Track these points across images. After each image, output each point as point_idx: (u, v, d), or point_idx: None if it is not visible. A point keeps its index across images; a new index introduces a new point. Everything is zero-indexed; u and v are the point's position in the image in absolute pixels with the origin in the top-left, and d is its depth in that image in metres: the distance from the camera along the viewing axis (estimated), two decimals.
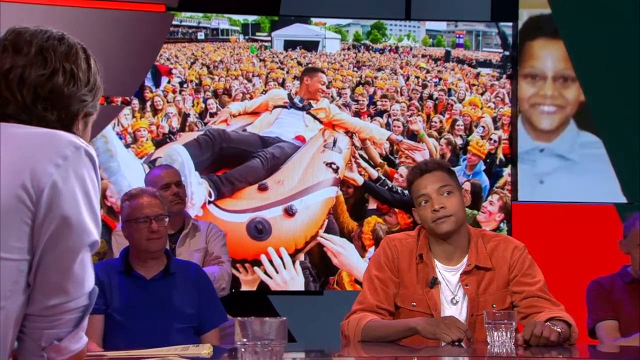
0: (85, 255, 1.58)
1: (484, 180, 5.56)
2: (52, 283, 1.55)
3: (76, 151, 1.56)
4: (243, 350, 1.69)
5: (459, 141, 5.58)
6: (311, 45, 5.68)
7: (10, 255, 1.51)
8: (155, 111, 5.43)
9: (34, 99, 1.62)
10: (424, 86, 5.66)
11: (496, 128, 5.59)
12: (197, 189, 5.27)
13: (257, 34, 5.67)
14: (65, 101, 1.66)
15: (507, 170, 5.56)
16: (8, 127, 1.59)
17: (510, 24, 5.66)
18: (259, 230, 5.30)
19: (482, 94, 5.65)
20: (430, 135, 5.57)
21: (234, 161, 5.41)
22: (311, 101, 5.57)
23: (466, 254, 3.05)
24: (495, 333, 2.58)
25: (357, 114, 5.57)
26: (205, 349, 2.40)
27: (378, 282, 3.04)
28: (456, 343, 2.70)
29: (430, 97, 5.64)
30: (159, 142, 5.39)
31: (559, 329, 2.73)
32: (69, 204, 1.53)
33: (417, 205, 3.06)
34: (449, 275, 3.05)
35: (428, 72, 5.71)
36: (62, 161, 1.54)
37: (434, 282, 3.01)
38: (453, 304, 3.01)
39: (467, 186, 5.49)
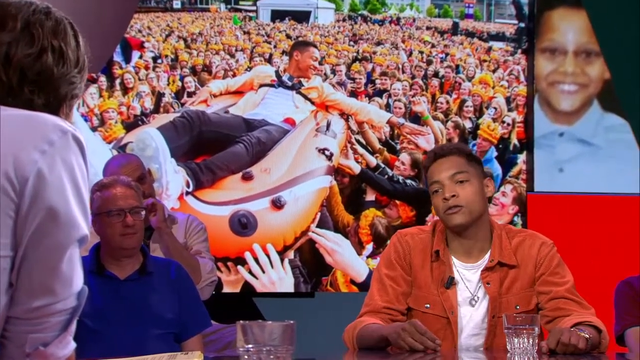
0: (74, 251, 1.59)
1: (496, 169, 5.58)
2: (37, 282, 1.56)
3: (63, 136, 1.57)
4: (246, 357, 1.73)
5: (467, 124, 5.61)
6: (302, 16, 5.70)
7: None
8: (125, 90, 5.44)
9: (20, 81, 1.63)
10: (429, 62, 5.69)
11: (510, 109, 5.63)
12: (173, 178, 5.28)
13: (241, 2, 5.68)
14: (54, 84, 1.67)
15: (522, 157, 5.60)
16: None
17: None
18: (243, 225, 5.33)
19: (494, 71, 5.68)
20: (435, 118, 5.59)
21: (214, 147, 5.42)
22: (302, 79, 5.59)
23: (488, 249, 3.09)
24: (516, 339, 2.59)
25: (354, 93, 5.60)
26: (195, 357, 2.42)
27: (388, 280, 3.08)
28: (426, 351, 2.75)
29: (436, 74, 5.67)
30: (129, 125, 5.41)
31: (586, 335, 2.75)
32: (55, 194, 1.54)
33: (431, 193, 3.11)
34: (468, 273, 3.08)
35: (433, 46, 5.74)
36: (48, 147, 1.54)
37: (450, 282, 3.05)
38: (472, 305, 3.05)
39: None
